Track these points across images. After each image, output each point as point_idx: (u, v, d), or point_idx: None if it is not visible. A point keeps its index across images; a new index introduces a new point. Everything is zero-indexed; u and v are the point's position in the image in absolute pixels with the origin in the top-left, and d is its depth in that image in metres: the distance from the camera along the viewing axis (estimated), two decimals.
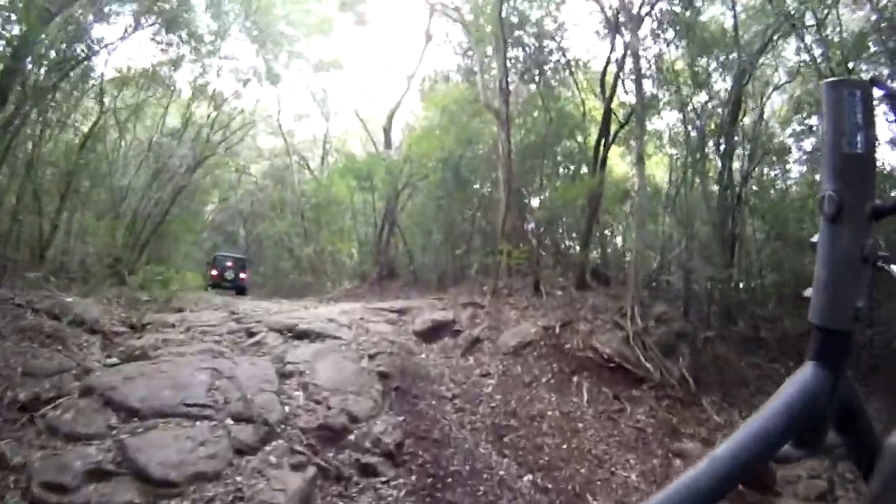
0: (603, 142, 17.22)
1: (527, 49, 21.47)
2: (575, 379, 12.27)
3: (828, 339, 0.99)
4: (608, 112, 17.15)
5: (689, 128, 18.49)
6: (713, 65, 18.21)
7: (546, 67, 21.78)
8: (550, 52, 21.73)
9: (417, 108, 28.11)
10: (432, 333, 14.67)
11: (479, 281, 18.81)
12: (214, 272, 27.07)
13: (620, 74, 17.29)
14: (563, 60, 21.85)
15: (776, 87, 20.13)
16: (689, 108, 18.48)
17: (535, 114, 21.93)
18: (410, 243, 23.61)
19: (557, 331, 13.59)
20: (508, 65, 19.82)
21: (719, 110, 18.24)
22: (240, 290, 26.68)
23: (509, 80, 19.58)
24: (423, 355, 13.59)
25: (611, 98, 17.18)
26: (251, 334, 13.48)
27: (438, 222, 22.62)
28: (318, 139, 35.34)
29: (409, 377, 12.17)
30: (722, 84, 18.54)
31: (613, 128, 17.82)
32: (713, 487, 0.85)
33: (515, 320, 14.93)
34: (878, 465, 0.92)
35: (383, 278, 23.53)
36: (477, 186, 23.69)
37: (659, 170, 23.15)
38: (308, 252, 28.32)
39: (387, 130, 26.76)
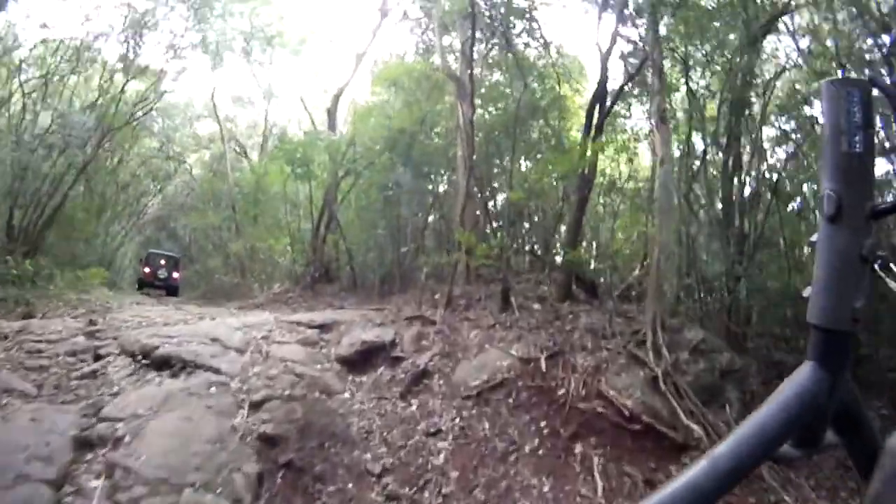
0: (598, 108, 12.43)
1: (495, 20, 16.51)
2: (578, 448, 7.44)
3: (827, 340, 0.94)
4: (605, 66, 12.40)
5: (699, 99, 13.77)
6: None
7: (516, 37, 16.92)
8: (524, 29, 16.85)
9: (368, 91, 22.96)
10: (362, 361, 10.02)
11: (430, 288, 13.88)
12: (147, 270, 25.33)
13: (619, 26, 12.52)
14: (537, 32, 16.98)
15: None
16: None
17: (503, 87, 17.12)
18: (351, 241, 18.60)
19: (543, 365, 8.78)
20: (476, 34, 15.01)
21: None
22: (171, 290, 24.99)
23: (474, 48, 14.88)
24: (345, 396, 8.91)
25: (609, 51, 12.41)
26: (97, 357, 9.18)
27: (385, 216, 17.65)
28: (261, 126, 30.17)
29: (313, 439, 7.41)
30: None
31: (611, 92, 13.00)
32: (712, 487, 0.81)
33: (478, 345, 10.15)
34: (877, 466, 0.87)
35: (318, 281, 18.71)
36: (433, 178, 18.77)
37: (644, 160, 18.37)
38: (237, 249, 23.14)
39: (331, 112, 21.69)
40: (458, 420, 8.06)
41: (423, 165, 17.57)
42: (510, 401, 8.26)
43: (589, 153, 11.75)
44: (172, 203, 35.07)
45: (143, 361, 8.63)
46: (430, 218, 18.39)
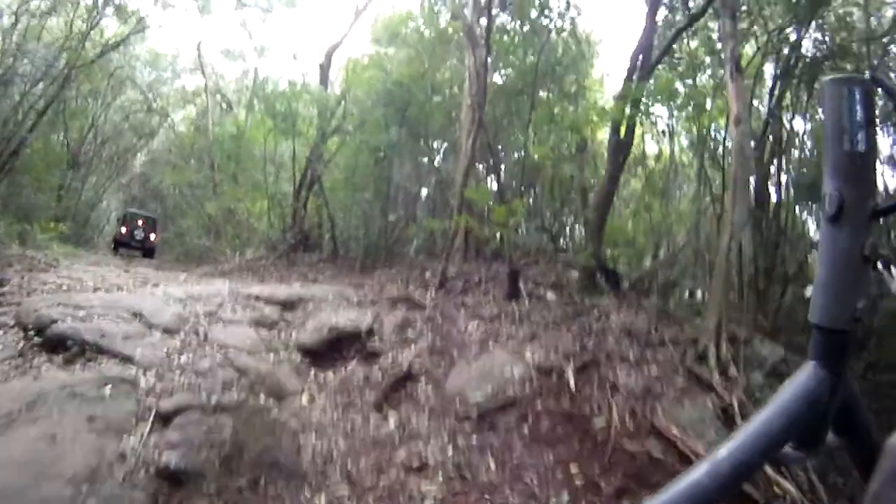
0: (640, 58, 9.79)
1: None
2: None
3: (828, 339, 0.90)
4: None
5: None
6: None
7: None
8: None
9: (366, 49, 20.09)
10: (329, 353, 7.69)
11: (420, 265, 11.34)
12: (123, 230, 23.51)
13: None
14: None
15: None
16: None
17: (517, 37, 14.38)
18: (335, 206, 15.96)
19: (571, 379, 6.21)
20: None
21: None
22: (148, 252, 23.29)
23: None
24: (302, 401, 6.34)
25: None
26: None
27: (374, 182, 15.01)
28: (250, 81, 27.28)
29: (243, 474, 4.88)
30: None
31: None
32: (714, 488, 0.77)
33: (479, 342, 7.66)
34: (877, 466, 0.81)
35: (295, 249, 16.09)
36: (430, 142, 16.08)
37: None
38: (211, 210, 20.35)
39: (324, 67, 18.91)
40: (451, 451, 5.55)
41: (420, 126, 14.90)
42: (525, 429, 5.74)
43: (629, 110, 9.13)
44: (157, 160, 32.31)
45: (35, 339, 6.14)
46: (425, 188, 15.69)
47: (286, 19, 28.37)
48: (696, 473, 0.78)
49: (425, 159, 16.01)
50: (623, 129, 9.58)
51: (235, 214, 20.04)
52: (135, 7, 19.51)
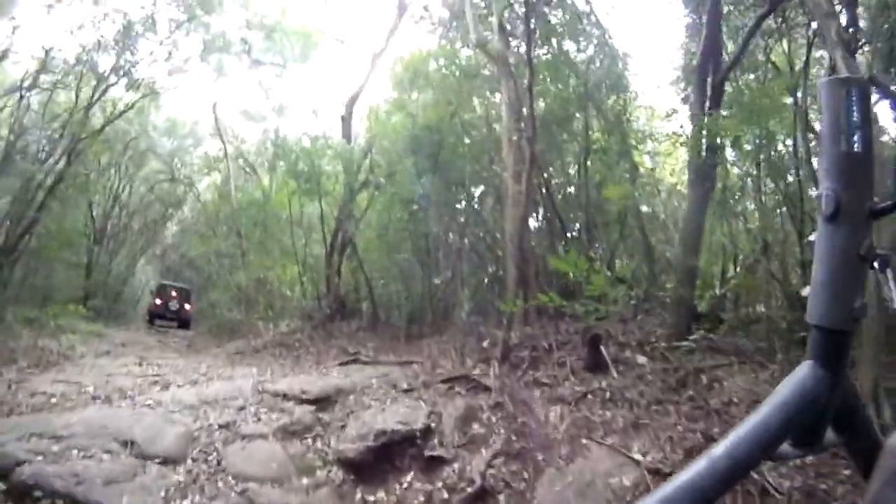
0: (711, 66, 8.27)
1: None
2: None
3: (826, 339, 0.90)
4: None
5: None
6: None
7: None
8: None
9: (387, 95, 18.94)
10: (377, 464, 6.24)
11: (473, 330, 9.82)
12: (158, 301, 23.93)
13: None
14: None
15: None
16: None
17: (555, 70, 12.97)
18: (371, 268, 14.61)
19: None
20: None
21: None
22: (183, 323, 23.68)
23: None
24: None
25: None
26: None
27: (411, 237, 13.67)
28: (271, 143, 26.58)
29: None
30: None
31: None
32: (711, 486, 0.75)
33: (568, 436, 6.11)
34: (877, 465, 0.81)
35: (332, 318, 14.66)
36: (466, 186, 14.65)
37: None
38: (238, 281, 19.26)
39: (345, 119, 17.80)
40: None
41: (454, 171, 13.55)
42: None
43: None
44: (187, 230, 32.26)
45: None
46: (467, 239, 14.20)
47: (302, 75, 27.70)
48: (694, 471, 0.75)
49: (459, 206, 14.58)
50: (704, 152, 8.05)
51: (266, 284, 18.86)
52: (146, 76, 18.98)
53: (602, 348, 7.53)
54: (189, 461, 5.48)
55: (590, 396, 6.66)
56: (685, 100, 13.07)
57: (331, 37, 23.14)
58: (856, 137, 0.87)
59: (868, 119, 0.87)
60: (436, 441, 6.23)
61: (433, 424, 6.46)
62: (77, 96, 16.97)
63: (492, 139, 14.13)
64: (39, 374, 8.92)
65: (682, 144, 9.65)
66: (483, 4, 13.67)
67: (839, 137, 0.87)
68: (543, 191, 10.84)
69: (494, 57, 11.44)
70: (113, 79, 17.64)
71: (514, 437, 6.09)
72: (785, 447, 0.89)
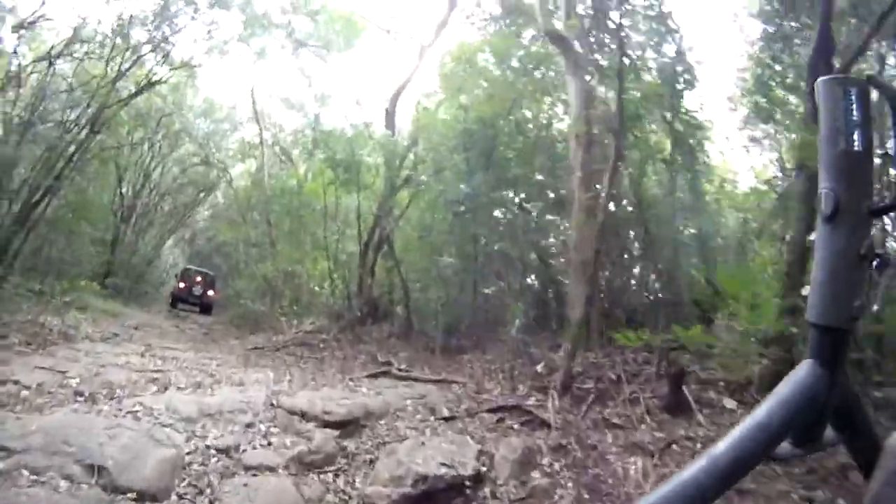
0: (822, 63, 7.07)
1: None
2: None
3: (826, 338, 0.89)
4: None
5: None
6: None
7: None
8: None
9: (435, 88, 17.89)
10: None
11: (526, 351, 8.68)
12: (182, 285, 24.57)
13: None
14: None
15: None
16: None
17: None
18: (409, 270, 13.55)
19: None
20: None
21: None
22: (205, 308, 24.13)
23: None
24: None
25: None
26: None
27: (456, 241, 12.60)
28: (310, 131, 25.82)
29: None
30: None
31: None
32: (711, 485, 0.76)
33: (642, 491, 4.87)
34: (877, 465, 0.82)
35: (363, 321, 13.68)
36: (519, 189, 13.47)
37: None
38: (265, 271, 18.40)
39: (390, 113, 16.78)
40: None
41: (508, 170, 12.45)
42: None
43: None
44: (219, 215, 32.40)
45: None
46: (519, 246, 12.99)
47: (346, 64, 27.00)
48: (694, 469, 0.76)
49: (512, 210, 13.42)
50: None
51: (294, 277, 17.95)
52: (182, 53, 18.24)
53: (684, 388, 6.38)
54: (173, 497, 4.40)
55: (675, 447, 5.49)
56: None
57: (378, 26, 22.11)
58: (854, 137, 0.86)
59: (867, 118, 0.86)
60: (487, 491, 5.11)
61: (483, 468, 5.35)
62: (107, 66, 16.24)
63: (547, 139, 13.06)
64: (29, 356, 7.88)
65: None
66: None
67: (838, 137, 0.87)
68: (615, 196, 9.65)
69: (564, 46, 10.30)
70: (146, 50, 16.98)
71: (585, 495, 4.96)
72: (784, 446, 0.87)
